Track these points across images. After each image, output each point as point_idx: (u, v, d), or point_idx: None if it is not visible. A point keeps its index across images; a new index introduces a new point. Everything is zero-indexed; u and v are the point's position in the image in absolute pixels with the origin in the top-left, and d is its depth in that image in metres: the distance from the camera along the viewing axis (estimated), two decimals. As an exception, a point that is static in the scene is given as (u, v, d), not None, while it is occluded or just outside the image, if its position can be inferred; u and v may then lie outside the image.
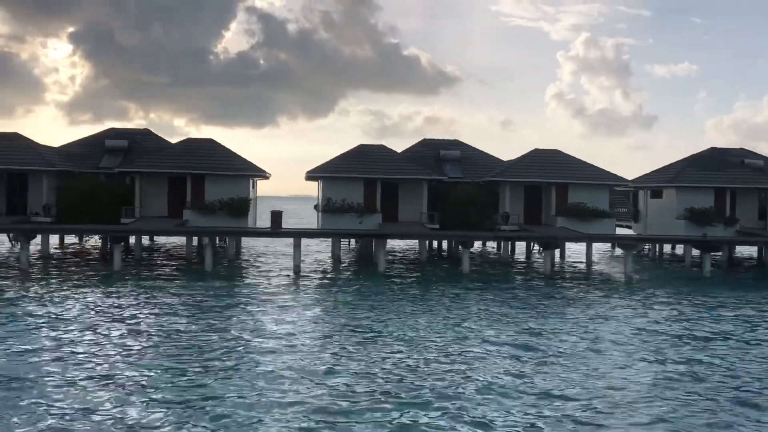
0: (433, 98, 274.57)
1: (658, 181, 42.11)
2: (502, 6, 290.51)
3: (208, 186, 36.24)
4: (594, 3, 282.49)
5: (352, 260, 38.90)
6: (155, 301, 22.79)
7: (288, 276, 30.18)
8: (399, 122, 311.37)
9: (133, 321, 19.28)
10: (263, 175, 37.94)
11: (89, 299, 22.67)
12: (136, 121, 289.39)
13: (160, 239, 47.94)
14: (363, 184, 37.28)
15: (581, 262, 38.70)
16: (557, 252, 40.34)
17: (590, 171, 39.90)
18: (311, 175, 38.77)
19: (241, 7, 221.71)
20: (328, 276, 31.04)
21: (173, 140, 42.29)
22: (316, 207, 43.21)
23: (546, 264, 33.03)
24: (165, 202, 37.39)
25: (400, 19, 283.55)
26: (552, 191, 38.84)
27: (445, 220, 36.82)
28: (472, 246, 34.91)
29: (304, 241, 35.15)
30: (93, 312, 20.48)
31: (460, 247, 35.39)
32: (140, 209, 35.88)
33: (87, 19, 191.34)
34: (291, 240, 32.53)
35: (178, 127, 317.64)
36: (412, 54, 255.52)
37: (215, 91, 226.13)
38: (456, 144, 45.75)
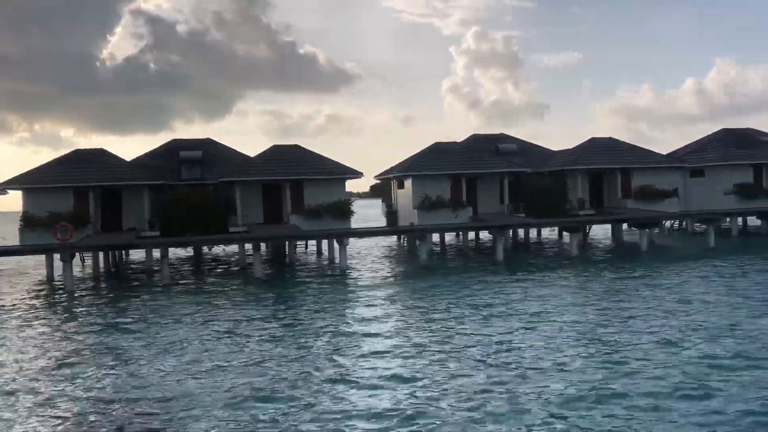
0: (334, 96, 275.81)
1: (698, 161, 45.58)
2: (394, 2, 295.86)
3: (306, 190, 37.14)
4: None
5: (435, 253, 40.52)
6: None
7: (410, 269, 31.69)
8: (300, 121, 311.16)
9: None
10: (357, 175, 39.07)
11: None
12: (19, 134, 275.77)
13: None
14: (449, 180, 39.02)
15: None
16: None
17: (650, 155, 43.06)
18: (398, 176, 40.24)
19: (125, 11, 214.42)
20: (454, 266, 32.66)
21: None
22: (388, 206, 44.73)
23: (643, 243, 35.88)
24: (261, 209, 38.00)
25: (294, 17, 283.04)
26: (617, 176, 41.70)
27: (526, 210, 39.05)
28: (582, 231, 36.62)
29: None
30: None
31: (565, 233, 37.64)
32: (242, 218, 36.41)
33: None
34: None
35: (65, 138, 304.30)
36: (308, 52, 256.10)
37: (104, 98, 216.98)
38: (507, 138, 48.10)
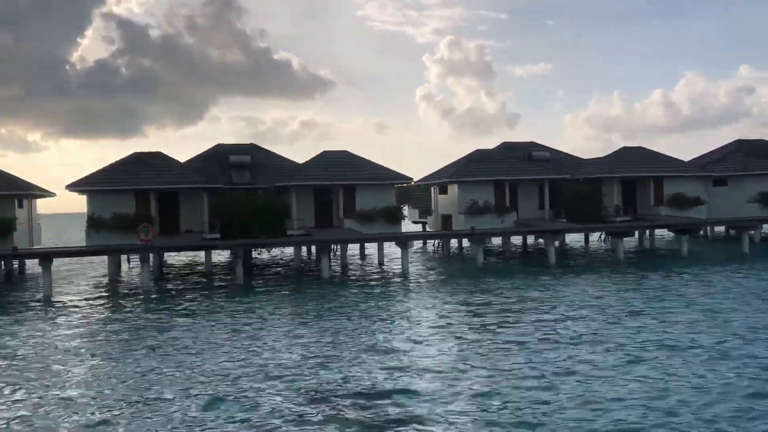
0: (309, 102, 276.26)
1: (721, 171, 47.41)
2: (368, 11, 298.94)
3: (358, 195, 38.20)
4: (456, 7, 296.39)
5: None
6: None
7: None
8: (274, 127, 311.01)
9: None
10: (407, 181, 40.19)
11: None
12: None
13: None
14: (493, 186, 40.36)
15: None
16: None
17: (678, 164, 44.84)
18: (441, 182, 41.55)
19: (96, 14, 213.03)
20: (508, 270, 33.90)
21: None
22: (426, 212, 46.02)
23: (683, 248, 37.49)
24: (312, 213, 38.96)
25: (268, 23, 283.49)
26: (650, 184, 43.35)
27: (567, 215, 40.49)
28: (627, 236, 37.79)
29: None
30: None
31: (609, 237, 39.10)
32: (296, 221, 37.32)
33: None
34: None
35: (33, 142, 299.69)
36: (283, 58, 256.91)
37: (74, 102, 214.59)
38: (537, 146, 49.59)
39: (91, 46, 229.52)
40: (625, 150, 45.79)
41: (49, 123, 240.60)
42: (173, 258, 47.64)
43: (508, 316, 21.15)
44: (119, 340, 19.12)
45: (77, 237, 57.33)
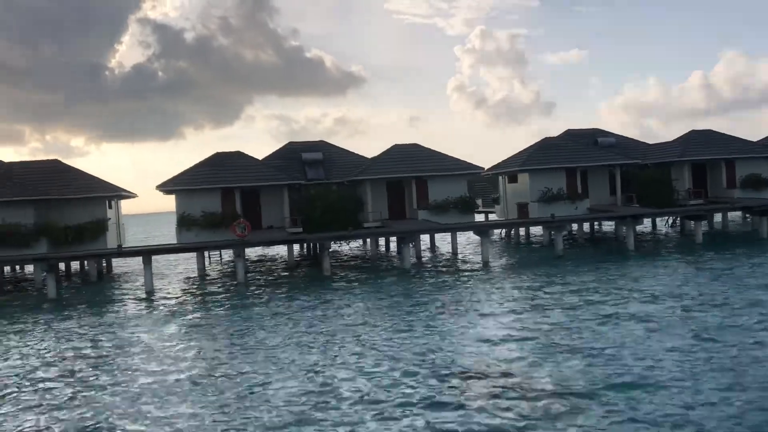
0: (341, 99, 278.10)
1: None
2: (397, 4, 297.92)
3: (431, 186, 38.89)
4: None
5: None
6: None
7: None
8: (307, 125, 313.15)
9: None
10: (478, 171, 40.75)
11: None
12: (31, 144, 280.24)
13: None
14: (564, 174, 40.60)
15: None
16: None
17: (748, 145, 44.35)
18: (510, 171, 41.95)
19: (132, 19, 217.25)
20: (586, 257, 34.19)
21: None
22: (495, 201, 46.46)
23: (762, 229, 37.21)
24: (386, 205, 39.81)
25: (299, 22, 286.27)
26: (722, 166, 42.98)
27: (639, 200, 40.48)
28: (702, 219, 37.56)
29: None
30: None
31: (676, 221, 38.98)
32: (371, 213, 38.20)
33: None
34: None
35: (75, 147, 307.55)
36: (315, 56, 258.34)
37: (114, 107, 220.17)
38: (602, 132, 49.55)
39: (128, 52, 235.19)
40: (695, 133, 45.43)
41: (91, 128, 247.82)
42: (248, 253, 49.03)
43: (616, 302, 21.59)
44: (244, 326, 20.21)
45: (152, 235, 59.26)
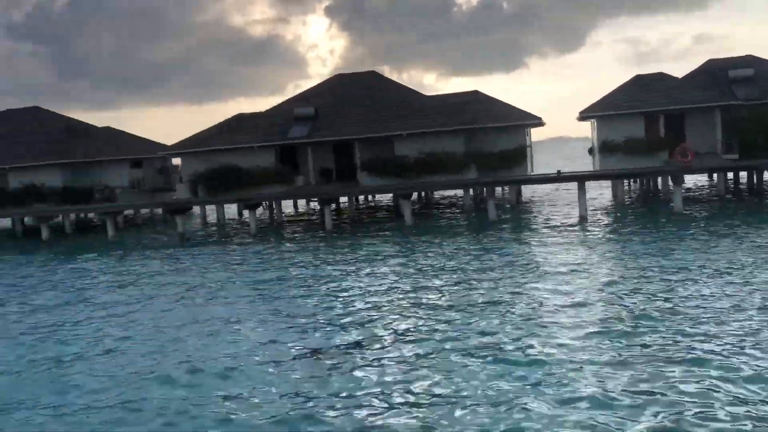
0: (702, 13, 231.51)
1: None
2: None
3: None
4: None
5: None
6: None
7: None
8: (657, 48, 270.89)
9: None
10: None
11: None
12: None
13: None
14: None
15: None
16: None
17: None
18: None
19: None
20: None
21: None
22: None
23: None
24: None
25: None
26: None
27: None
28: None
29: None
30: None
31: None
32: None
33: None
34: None
35: (428, 84, 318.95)
36: None
37: (459, 42, 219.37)
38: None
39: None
40: None
41: (440, 64, 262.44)
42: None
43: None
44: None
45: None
